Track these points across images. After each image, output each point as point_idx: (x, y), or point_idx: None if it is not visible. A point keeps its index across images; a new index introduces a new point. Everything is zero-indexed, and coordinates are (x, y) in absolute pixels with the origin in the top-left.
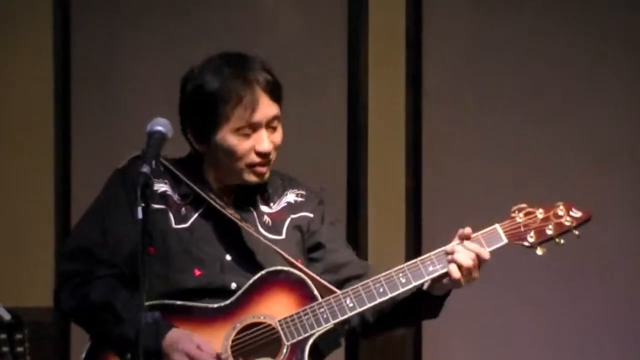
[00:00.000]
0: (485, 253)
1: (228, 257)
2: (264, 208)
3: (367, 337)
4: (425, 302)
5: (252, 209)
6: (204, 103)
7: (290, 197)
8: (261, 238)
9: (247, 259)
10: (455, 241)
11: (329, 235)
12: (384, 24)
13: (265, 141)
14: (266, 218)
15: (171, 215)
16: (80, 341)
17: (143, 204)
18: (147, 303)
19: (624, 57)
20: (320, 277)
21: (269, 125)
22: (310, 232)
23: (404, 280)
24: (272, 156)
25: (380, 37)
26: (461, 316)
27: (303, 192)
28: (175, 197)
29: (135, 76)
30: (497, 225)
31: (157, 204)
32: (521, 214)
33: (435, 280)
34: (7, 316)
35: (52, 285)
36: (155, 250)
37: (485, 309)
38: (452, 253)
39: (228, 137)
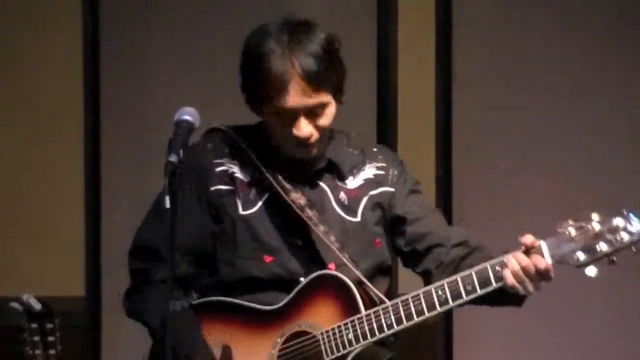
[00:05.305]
0: (538, 264)
1: (298, 243)
2: (340, 183)
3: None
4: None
5: (326, 185)
6: (251, 73)
7: (370, 172)
8: (321, 234)
9: (317, 247)
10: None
11: (410, 206)
12: (414, 9)
13: (301, 127)
14: (342, 195)
15: (238, 200)
16: (111, 331)
17: (171, 194)
18: (202, 300)
19: None
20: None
21: (311, 112)
22: (392, 206)
23: (442, 299)
24: (314, 139)
25: (410, 22)
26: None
27: (383, 164)
28: (244, 177)
29: (164, 64)
30: (542, 242)
31: (226, 185)
32: (571, 229)
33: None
34: (37, 306)
35: (83, 275)
36: (224, 235)
37: None
38: (505, 265)
39: (269, 115)
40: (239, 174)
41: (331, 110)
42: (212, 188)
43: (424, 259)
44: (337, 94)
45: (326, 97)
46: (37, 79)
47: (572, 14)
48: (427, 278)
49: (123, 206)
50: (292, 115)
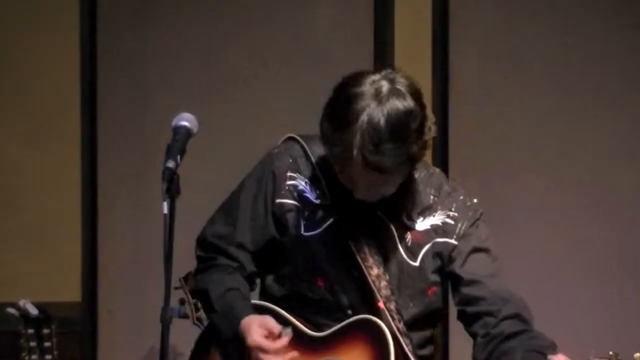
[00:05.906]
0: None
1: (353, 275)
2: (408, 222)
3: None
4: None
5: (392, 224)
6: (331, 122)
7: (439, 218)
8: (372, 277)
9: (369, 286)
10: None
11: (469, 265)
12: (410, 18)
13: (358, 192)
14: (408, 236)
15: (302, 220)
16: (107, 336)
17: (168, 199)
18: (258, 303)
19: None
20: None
21: (373, 181)
22: (452, 259)
23: None
24: (375, 199)
25: (406, 32)
26: None
27: (455, 214)
28: (312, 198)
29: (162, 66)
30: None
31: (293, 200)
32: None
33: None
34: (34, 311)
35: (80, 280)
36: (284, 248)
37: None
38: None
39: (334, 162)
40: (308, 194)
41: (397, 181)
42: (277, 200)
43: (473, 323)
44: (407, 168)
45: (389, 176)
46: (33, 83)
47: (572, 15)
48: (474, 340)
49: (120, 211)
50: (354, 178)
